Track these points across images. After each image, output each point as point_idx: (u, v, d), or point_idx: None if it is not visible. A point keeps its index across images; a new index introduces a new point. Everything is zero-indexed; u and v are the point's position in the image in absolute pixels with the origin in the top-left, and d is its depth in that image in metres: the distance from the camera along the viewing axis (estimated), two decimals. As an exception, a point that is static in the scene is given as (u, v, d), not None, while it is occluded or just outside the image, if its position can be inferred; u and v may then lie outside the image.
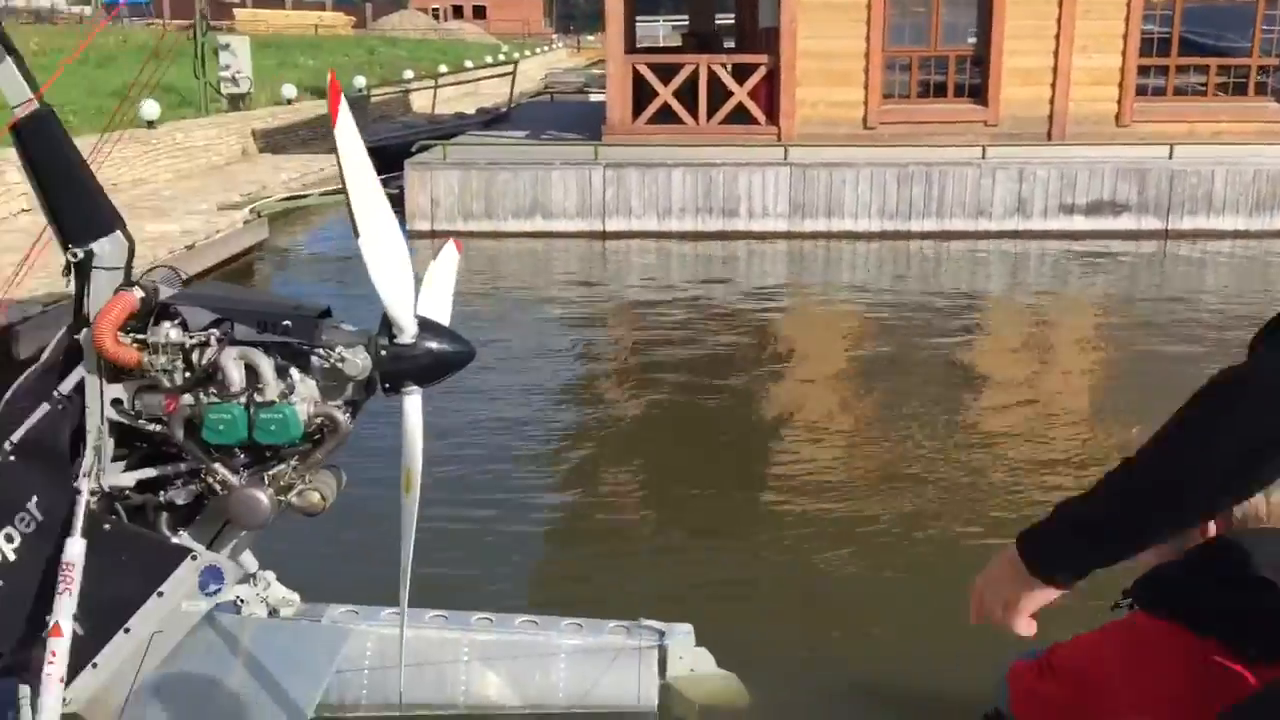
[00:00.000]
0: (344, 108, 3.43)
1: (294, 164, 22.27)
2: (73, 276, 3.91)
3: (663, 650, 5.14)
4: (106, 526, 3.83)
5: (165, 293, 3.89)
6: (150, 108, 18.98)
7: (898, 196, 17.25)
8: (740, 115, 19.95)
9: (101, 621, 3.88)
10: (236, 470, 3.79)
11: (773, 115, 19.80)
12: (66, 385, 3.83)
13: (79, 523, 3.73)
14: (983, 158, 17.37)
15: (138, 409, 3.82)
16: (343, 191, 3.41)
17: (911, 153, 17.78)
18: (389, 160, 25.72)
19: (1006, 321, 14.17)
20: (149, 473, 3.92)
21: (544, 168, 17.56)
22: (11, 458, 3.82)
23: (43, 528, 3.84)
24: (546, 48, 78.13)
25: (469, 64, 43.36)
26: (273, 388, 3.70)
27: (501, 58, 50.20)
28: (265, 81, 26.98)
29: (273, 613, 5.23)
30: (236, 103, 24.25)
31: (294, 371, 3.77)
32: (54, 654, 3.57)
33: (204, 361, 3.69)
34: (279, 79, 28.52)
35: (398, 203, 18.78)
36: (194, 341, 3.70)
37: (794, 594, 6.39)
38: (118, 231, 3.91)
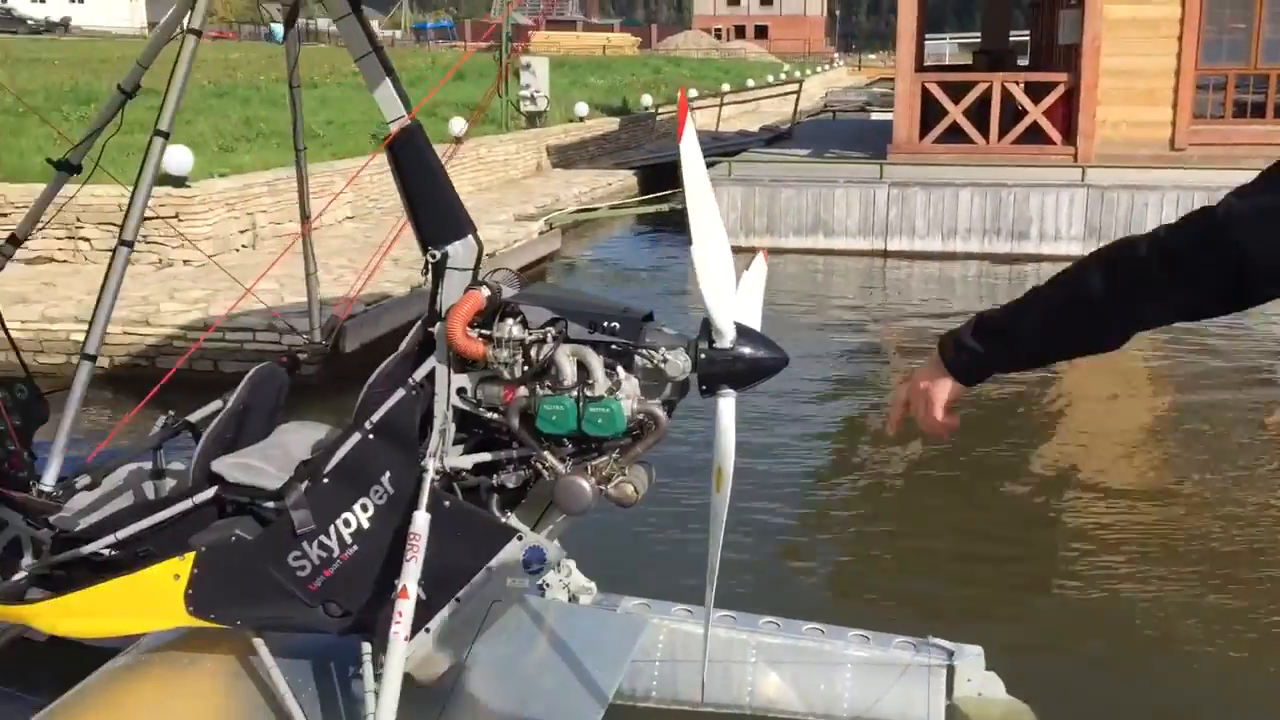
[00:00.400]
0: (690, 123, 3.64)
1: (584, 179, 23.22)
2: (430, 275, 4.32)
3: (951, 670, 5.09)
4: (446, 504, 4.19)
5: (507, 292, 4.23)
6: (457, 125, 20.27)
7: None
8: (1033, 135, 19.28)
9: (437, 590, 4.24)
10: (563, 459, 4.07)
11: (1069, 135, 19.03)
12: (419, 373, 4.22)
13: (425, 498, 4.10)
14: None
15: (479, 398, 4.17)
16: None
17: (1224, 175, 16.66)
18: (676, 177, 26.38)
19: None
20: (484, 457, 4.27)
21: (827, 185, 17.58)
22: (371, 436, 4.25)
23: (393, 501, 4.25)
24: (827, 66, 77.92)
25: (751, 83, 43.88)
26: (602, 384, 3.96)
27: (783, 76, 50.52)
28: (559, 100, 28.28)
29: (572, 599, 5.53)
30: (534, 120, 25.53)
31: (620, 369, 4.02)
32: (400, 615, 3.94)
33: (541, 357, 3.99)
34: (571, 98, 29.83)
35: (682, 217, 19.30)
36: (533, 338, 4.01)
37: (1098, 634, 6.14)
38: (470, 236, 4.28)
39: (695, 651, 5.44)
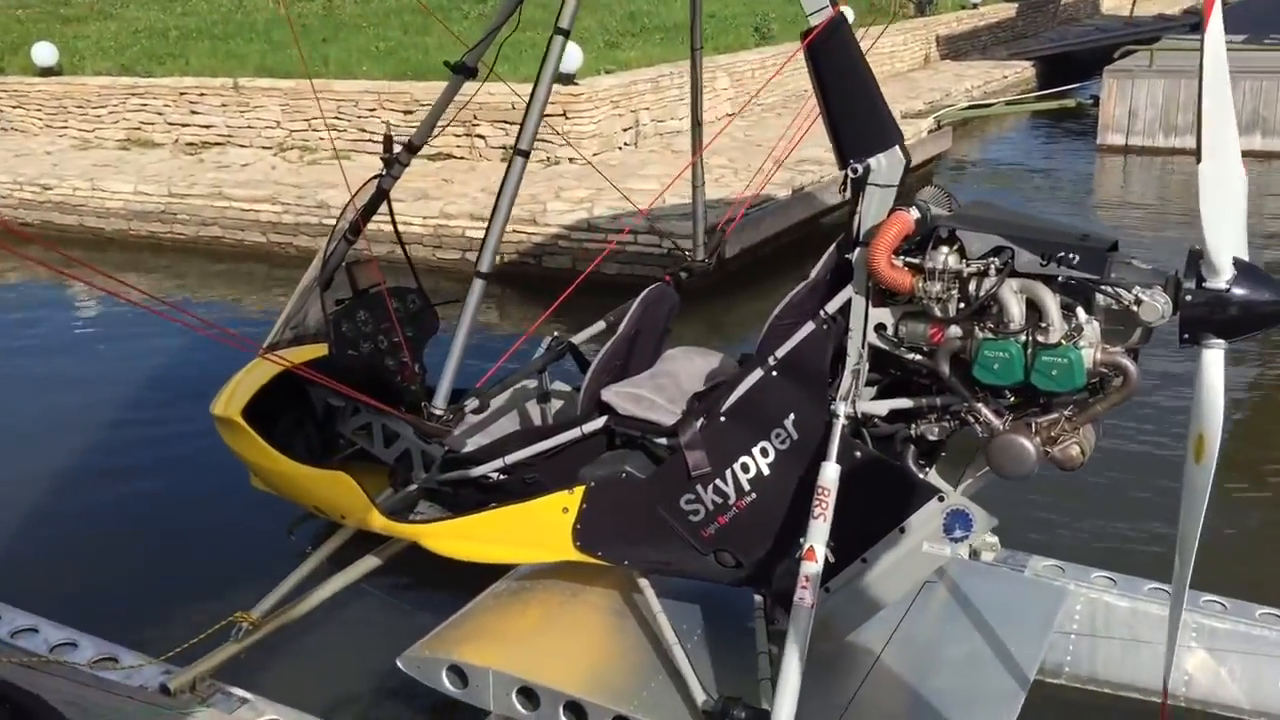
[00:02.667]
0: (1217, 9, 2.81)
1: (975, 71, 21.58)
2: (848, 192, 3.71)
3: None
4: (858, 454, 3.65)
5: (939, 214, 3.56)
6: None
7: None
8: None
9: (841, 547, 3.74)
10: (1000, 412, 3.41)
11: None
12: (832, 305, 3.67)
13: (834, 447, 3.58)
14: None
15: (901, 336, 3.56)
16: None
17: None
18: (1080, 68, 24.21)
19: None
20: (902, 403, 3.67)
21: (1271, 76, 15.19)
22: (774, 373, 3.76)
23: (796, 446, 3.76)
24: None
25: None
26: (1057, 328, 3.24)
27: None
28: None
29: (973, 554, 4.86)
30: (923, 8, 23.96)
31: (1080, 311, 3.28)
32: (806, 580, 3.47)
33: (982, 292, 3.31)
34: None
35: (1085, 113, 17.46)
36: (972, 270, 3.34)
37: None
38: (896, 147, 3.63)
39: (1117, 626, 4.71)
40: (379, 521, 4.46)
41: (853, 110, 3.65)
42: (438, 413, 3.92)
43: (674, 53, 15.92)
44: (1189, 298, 3.16)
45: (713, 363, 4.49)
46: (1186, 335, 3.22)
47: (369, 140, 13.92)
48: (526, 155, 3.86)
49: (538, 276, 10.83)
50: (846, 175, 3.70)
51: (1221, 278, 3.12)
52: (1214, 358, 3.16)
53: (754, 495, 3.83)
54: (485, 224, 3.92)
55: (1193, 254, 3.26)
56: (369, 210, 4.80)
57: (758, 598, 4.09)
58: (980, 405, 3.42)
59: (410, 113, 13.72)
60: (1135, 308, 3.22)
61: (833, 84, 3.67)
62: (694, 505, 3.92)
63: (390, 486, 4.78)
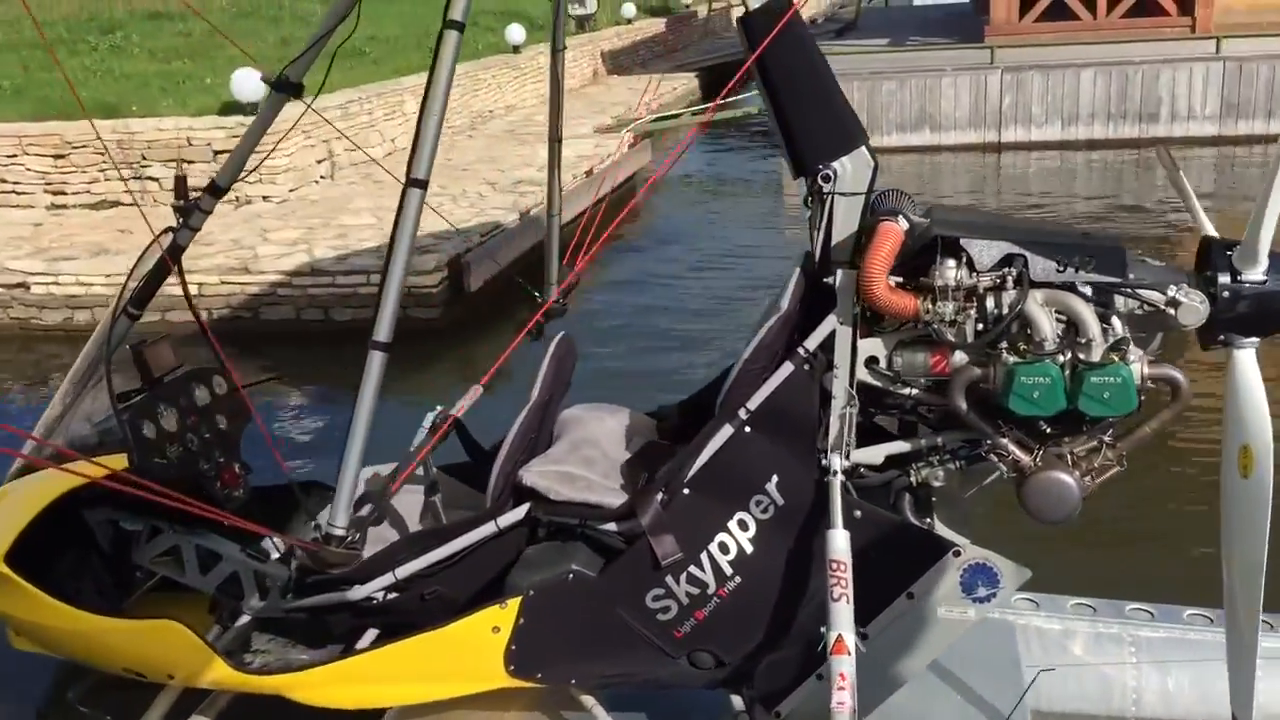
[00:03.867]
0: None
1: (644, 84, 21.74)
2: (811, 203, 3.14)
3: None
4: (857, 513, 3.07)
5: (916, 222, 3.06)
6: (516, 33, 18.80)
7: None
8: (1144, 6, 17.70)
9: (816, 620, 3.14)
10: (1028, 447, 2.94)
11: (1186, 5, 17.44)
12: (812, 341, 3.07)
13: (838, 509, 2.98)
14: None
15: (896, 369, 3.02)
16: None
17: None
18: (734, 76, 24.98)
19: None
20: (900, 447, 3.13)
21: (933, 75, 16.14)
22: (748, 429, 3.11)
23: (782, 513, 3.13)
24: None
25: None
26: (1100, 342, 2.82)
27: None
28: (603, 2, 26.55)
29: None
30: (582, 24, 23.96)
31: (1115, 321, 2.87)
32: (842, 677, 2.82)
33: (1005, 309, 2.83)
34: (616, -1, 28.12)
35: (747, 120, 17.90)
36: (987, 284, 2.85)
37: None
38: (862, 148, 3.10)
39: (1059, 652, 4.40)
40: (227, 677, 3.43)
41: (808, 109, 3.09)
42: (339, 532, 2.98)
43: (356, 77, 14.85)
44: (1225, 294, 2.84)
45: (624, 420, 3.79)
46: (1215, 335, 2.91)
47: (12, 191, 11.99)
48: (424, 186, 3.03)
49: (255, 332, 9.55)
50: (810, 186, 3.13)
51: (1259, 269, 2.83)
52: (1248, 358, 2.86)
53: (738, 579, 3.16)
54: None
55: (1214, 245, 2.93)
56: (158, 275, 3.75)
57: (736, 700, 3.41)
58: (1006, 441, 2.94)
59: (62, 156, 11.92)
60: (1171, 310, 2.86)
61: (782, 80, 3.10)
62: (663, 601, 3.20)
63: (216, 624, 3.75)
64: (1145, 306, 2.90)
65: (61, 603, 3.55)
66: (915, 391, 3.04)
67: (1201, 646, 4.30)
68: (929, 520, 3.19)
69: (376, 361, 2.99)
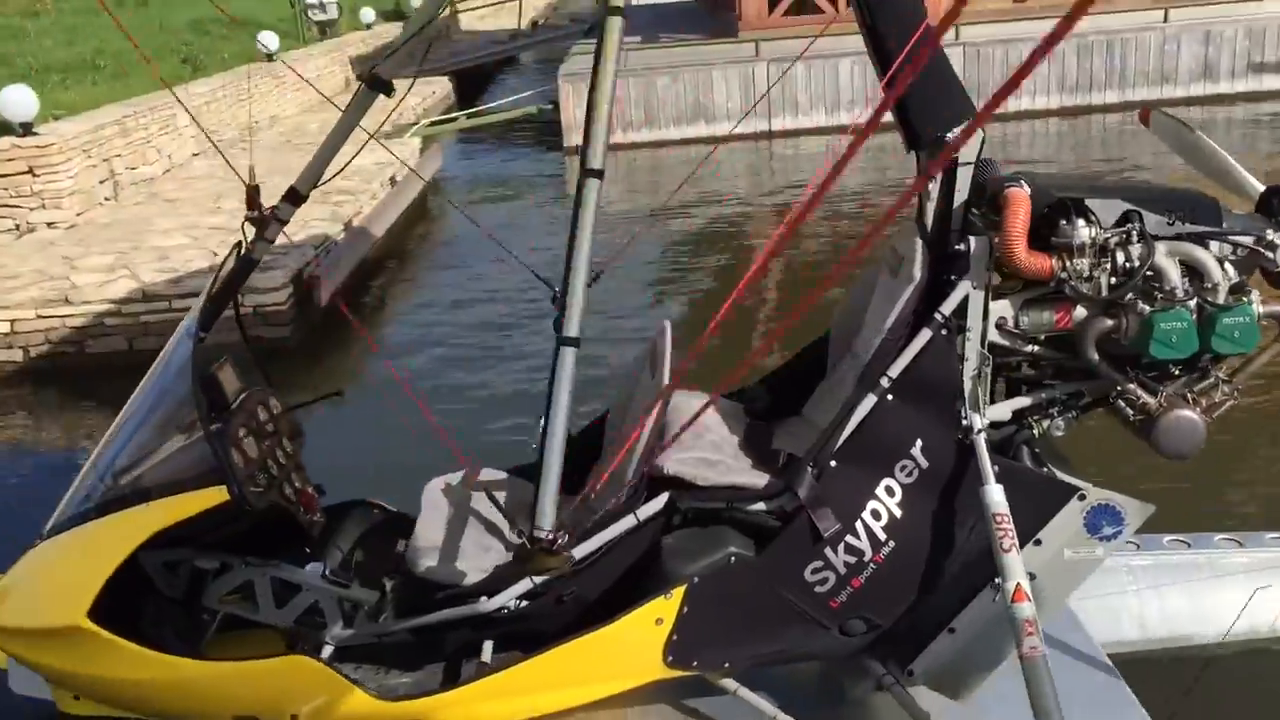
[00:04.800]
0: None
1: (401, 88, 21.29)
2: (930, 177, 3.31)
3: None
4: (995, 468, 3.27)
5: (1034, 186, 3.28)
6: (269, 39, 18.02)
7: (1077, 69, 16.52)
8: None
9: (962, 578, 3.34)
10: (1153, 390, 3.23)
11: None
12: (948, 306, 3.24)
13: (988, 466, 3.16)
14: (1165, 21, 16.56)
15: (1022, 326, 3.25)
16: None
17: (1088, 21, 16.91)
18: (486, 79, 25.01)
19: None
20: (1023, 402, 3.36)
21: (705, 68, 16.72)
22: (890, 398, 3.25)
23: (926, 476, 3.28)
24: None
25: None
26: (1224, 287, 3.14)
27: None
28: (341, 8, 25.75)
29: None
30: (324, 30, 23.19)
31: (1228, 266, 3.20)
32: (1028, 623, 2.99)
33: (1136, 262, 3.10)
34: (353, 2, 27.32)
35: (547, 118, 18.03)
36: (1116, 240, 3.12)
37: None
38: (974, 116, 3.30)
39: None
40: (365, 709, 3.26)
41: (926, 80, 3.25)
42: (546, 535, 2.89)
43: (121, 92, 13.86)
44: None
45: (716, 404, 3.82)
46: None
47: None
48: (600, 176, 2.98)
49: (82, 367, 8.82)
50: (922, 154, 3.30)
51: None
52: None
53: (891, 544, 3.28)
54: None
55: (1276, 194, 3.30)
56: (230, 290, 3.49)
57: (877, 666, 3.52)
58: (1133, 386, 3.22)
59: None
60: (1269, 253, 3.20)
61: (899, 52, 3.24)
62: (822, 574, 3.29)
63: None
64: (1239, 251, 3.22)
65: (165, 654, 3.26)
66: (1037, 348, 3.27)
67: (1188, 568, 4.71)
68: (1046, 469, 3.43)
69: (569, 357, 2.91)
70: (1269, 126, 15.61)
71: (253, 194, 3.65)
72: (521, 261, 4.35)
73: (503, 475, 4.02)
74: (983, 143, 3.31)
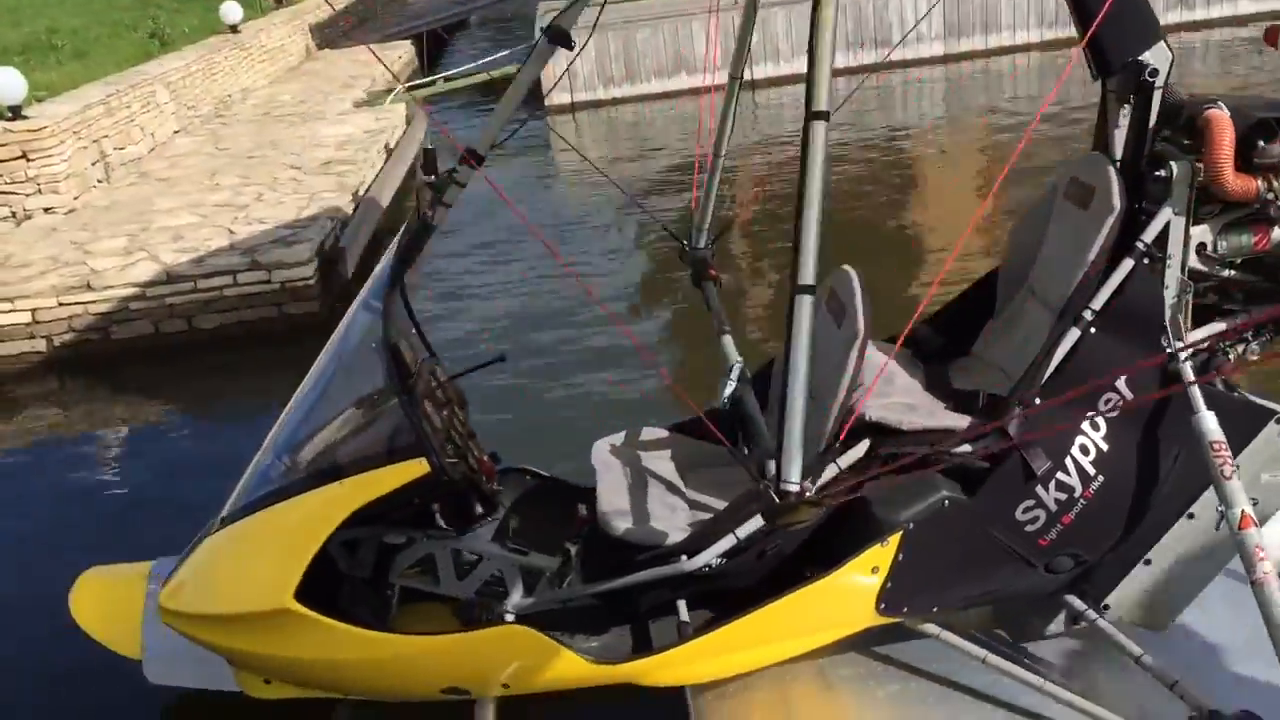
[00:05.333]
0: None
1: (363, 55, 20.88)
2: (1115, 100, 3.28)
3: None
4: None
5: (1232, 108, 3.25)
6: (232, 10, 17.54)
7: (1056, 1, 16.55)
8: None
9: (1161, 509, 3.34)
10: None
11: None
12: (1149, 234, 3.22)
13: (1198, 394, 3.15)
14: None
15: (1220, 251, 3.24)
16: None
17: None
18: (442, 40, 24.62)
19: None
20: (1219, 327, 3.35)
21: (685, 19, 16.54)
22: (1093, 330, 3.22)
23: (1131, 408, 3.26)
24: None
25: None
26: None
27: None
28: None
29: None
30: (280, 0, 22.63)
31: None
32: (1258, 549, 2.99)
33: None
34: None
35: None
36: None
37: None
38: (1162, 40, 3.26)
39: None
40: (581, 673, 3.21)
41: (1119, 4, 3.19)
42: (794, 487, 2.83)
43: (92, 71, 13.46)
44: None
45: (889, 349, 3.76)
46: None
47: None
48: (826, 118, 2.89)
49: (109, 355, 8.59)
50: (1122, 82, 3.26)
51: None
52: None
53: (1100, 479, 3.27)
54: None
55: None
56: (409, 257, 3.38)
57: (1075, 602, 3.51)
58: None
59: None
60: None
61: None
62: (1033, 512, 3.27)
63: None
64: None
65: (376, 632, 3.18)
66: (1233, 272, 3.26)
67: None
68: (1237, 393, 3.43)
69: (805, 305, 2.84)
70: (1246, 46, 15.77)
71: (431, 158, 3.52)
72: (645, 209, 4.30)
73: (664, 433, 3.96)
74: (1171, 64, 3.28)
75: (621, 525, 3.39)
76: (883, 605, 3.29)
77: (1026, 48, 16.76)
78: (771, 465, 2.86)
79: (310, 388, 3.67)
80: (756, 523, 3.11)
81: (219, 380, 8.40)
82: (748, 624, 3.24)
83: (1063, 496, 3.26)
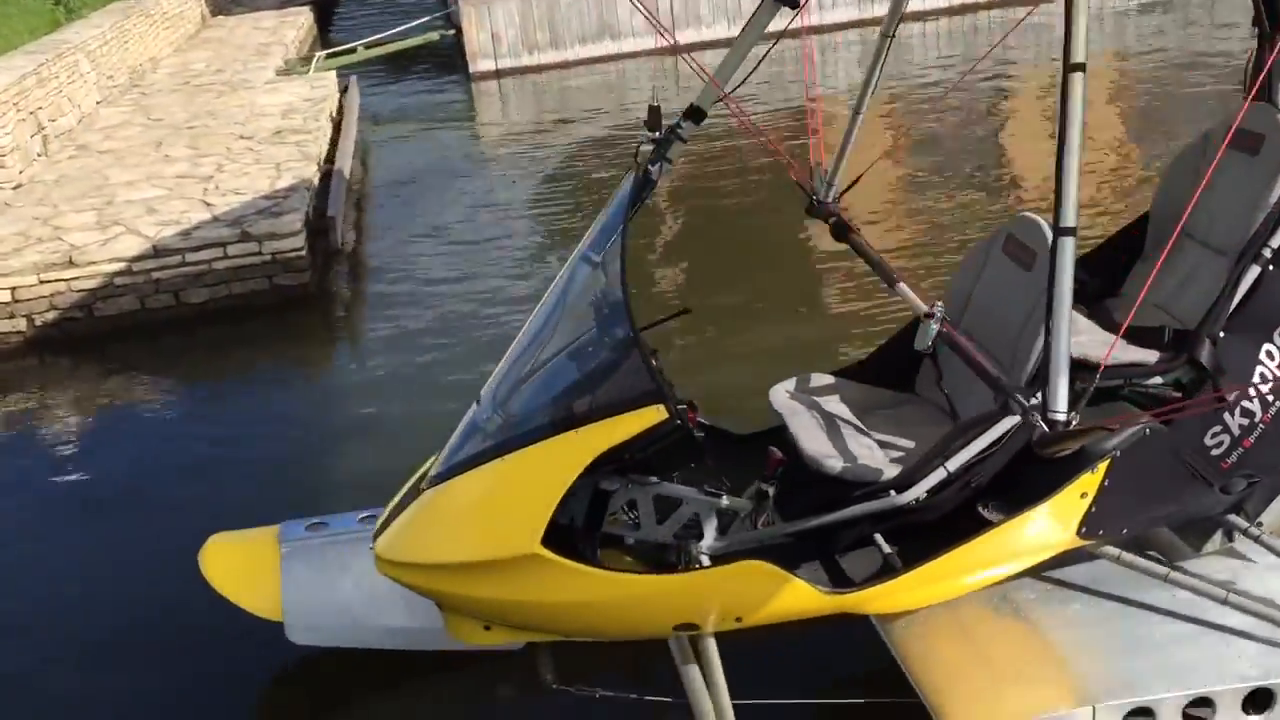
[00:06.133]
0: None
1: (268, 21, 20.30)
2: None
3: None
4: None
5: None
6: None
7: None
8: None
9: None
10: None
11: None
12: None
13: None
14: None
15: None
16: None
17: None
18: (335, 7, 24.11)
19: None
20: None
21: (607, -16, 16.57)
22: (1272, 267, 3.52)
23: None
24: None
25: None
26: None
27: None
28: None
29: None
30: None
31: None
32: None
33: None
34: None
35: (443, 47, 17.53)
36: None
37: None
38: None
39: None
40: (818, 603, 3.39)
41: None
42: (1061, 416, 3.03)
43: (9, 41, 12.81)
44: None
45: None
46: None
47: None
48: (1084, 69, 3.06)
49: (94, 333, 8.31)
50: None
51: None
52: None
53: (1278, 404, 3.58)
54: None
55: None
56: (628, 210, 3.45)
57: (1238, 519, 3.80)
58: None
59: None
60: None
61: None
62: (1219, 437, 3.57)
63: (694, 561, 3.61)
64: None
65: (619, 574, 3.30)
66: None
67: None
68: None
69: (1068, 246, 3.02)
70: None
71: (655, 114, 3.59)
72: (786, 157, 4.45)
73: (830, 379, 4.13)
74: None
75: (836, 465, 3.56)
76: (1084, 529, 3.54)
77: (935, 13, 17.28)
78: (1023, 397, 3.08)
79: (528, 344, 3.71)
80: (991, 452, 3.33)
81: (209, 355, 8.21)
82: (963, 553, 3.46)
83: (1245, 421, 3.56)
